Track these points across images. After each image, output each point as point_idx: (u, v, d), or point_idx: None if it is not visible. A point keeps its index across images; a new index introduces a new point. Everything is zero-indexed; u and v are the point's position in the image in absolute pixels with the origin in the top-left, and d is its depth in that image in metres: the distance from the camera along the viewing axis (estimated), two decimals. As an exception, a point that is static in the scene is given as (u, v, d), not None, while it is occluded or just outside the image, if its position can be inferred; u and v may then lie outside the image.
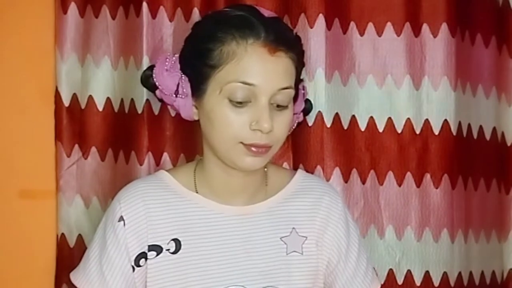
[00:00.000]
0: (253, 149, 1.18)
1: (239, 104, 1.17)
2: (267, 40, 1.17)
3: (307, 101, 1.43)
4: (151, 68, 1.33)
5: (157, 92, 1.32)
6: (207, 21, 1.28)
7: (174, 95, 1.27)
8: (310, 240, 1.31)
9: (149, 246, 1.24)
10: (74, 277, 1.29)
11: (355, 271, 1.34)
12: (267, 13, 1.24)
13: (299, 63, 1.25)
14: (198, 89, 1.22)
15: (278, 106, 1.19)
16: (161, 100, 1.35)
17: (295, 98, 1.28)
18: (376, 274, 1.42)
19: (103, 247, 1.25)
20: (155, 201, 1.26)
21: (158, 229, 1.25)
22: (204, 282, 1.24)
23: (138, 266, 1.24)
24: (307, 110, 1.43)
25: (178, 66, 1.27)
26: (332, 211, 1.34)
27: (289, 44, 1.20)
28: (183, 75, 1.26)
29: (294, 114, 1.32)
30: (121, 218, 1.24)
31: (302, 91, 1.35)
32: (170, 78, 1.27)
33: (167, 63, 1.28)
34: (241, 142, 1.18)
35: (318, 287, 1.33)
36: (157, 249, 1.24)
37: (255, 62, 1.17)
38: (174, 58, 1.29)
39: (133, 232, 1.24)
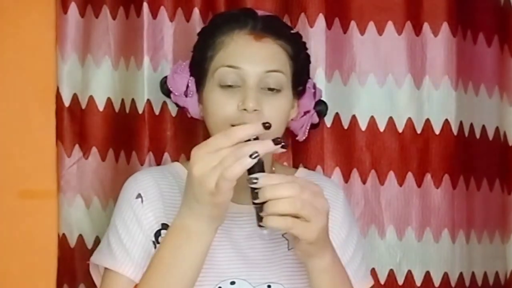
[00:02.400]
0: None
1: (229, 87, 1.21)
2: (253, 29, 1.23)
3: (322, 102, 1.43)
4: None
5: (172, 95, 1.36)
6: (208, 24, 1.33)
7: (184, 96, 1.32)
8: None
9: (162, 224, 1.24)
10: (97, 257, 1.27)
11: (347, 265, 1.31)
12: (262, 13, 1.28)
13: (297, 56, 1.27)
14: (200, 85, 1.28)
15: (270, 89, 1.22)
16: (177, 105, 1.39)
17: (301, 94, 1.31)
18: (369, 274, 1.40)
19: (123, 225, 1.24)
20: (167, 186, 1.28)
21: (169, 210, 1.25)
22: (205, 273, 1.23)
23: (158, 242, 1.23)
24: (321, 112, 1.43)
25: (187, 70, 1.33)
26: (332, 205, 1.33)
27: (279, 33, 1.25)
28: (191, 77, 1.31)
29: (306, 112, 1.36)
30: (139, 195, 1.25)
31: (313, 90, 1.36)
32: (180, 79, 1.33)
33: (177, 67, 1.36)
34: (232, 125, 1.19)
35: None
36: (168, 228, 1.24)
37: (240, 46, 1.22)
38: (184, 64, 1.35)
39: (150, 209, 1.24)
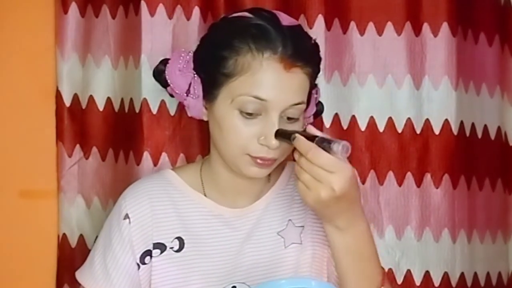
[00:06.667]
0: (259, 161, 1.18)
1: (249, 115, 1.16)
2: (284, 55, 1.15)
3: (319, 103, 1.40)
4: (164, 62, 1.30)
5: (169, 88, 1.30)
6: (225, 26, 1.24)
7: (185, 94, 1.25)
8: (307, 229, 1.31)
9: (154, 244, 1.25)
10: (79, 275, 1.29)
11: None
12: (287, 21, 1.19)
13: (315, 74, 1.23)
14: (210, 93, 1.21)
15: (288, 118, 1.18)
16: (171, 95, 1.33)
17: (308, 103, 1.27)
18: None
19: (108, 244, 1.26)
20: (160, 199, 1.27)
21: (162, 227, 1.26)
22: (206, 280, 1.25)
23: (144, 263, 1.24)
24: (318, 112, 1.40)
25: (192, 65, 1.25)
26: None
27: (306, 58, 1.18)
28: (195, 76, 1.24)
29: (304, 118, 1.32)
30: (126, 216, 1.25)
31: (315, 95, 1.33)
32: (183, 77, 1.25)
33: (180, 61, 1.26)
34: (248, 154, 1.18)
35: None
36: (161, 247, 1.25)
37: (270, 77, 1.15)
38: (188, 56, 1.26)
39: (138, 230, 1.24)
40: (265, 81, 1.15)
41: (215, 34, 1.24)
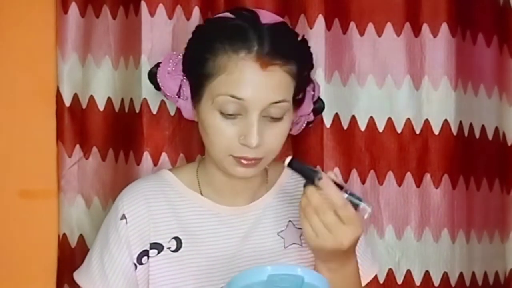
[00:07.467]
0: (243, 161, 1.18)
1: (230, 116, 1.16)
2: (260, 54, 1.14)
3: (319, 100, 1.39)
4: (157, 65, 1.32)
5: (162, 91, 1.32)
6: (206, 27, 1.26)
7: (177, 96, 1.27)
8: None
9: (151, 244, 1.25)
10: (77, 276, 1.30)
11: None
12: (269, 18, 1.20)
13: (301, 72, 1.21)
14: (196, 95, 1.22)
15: (272, 118, 1.18)
16: (167, 97, 1.34)
17: (301, 101, 1.27)
18: (376, 259, 1.44)
19: (106, 245, 1.26)
20: (157, 200, 1.27)
21: (159, 227, 1.26)
22: (204, 280, 1.25)
23: (141, 264, 1.25)
24: (318, 110, 1.39)
25: (181, 67, 1.26)
26: None
27: (286, 56, 1.16)
28: (184, 78, 1.26)
29: (301, 116, 1.33)
30: (123, 216, 1.25)
31: (312, 93, 1.33)
32: (172, 80, 1.27)
33: (170, 64, 1.28)
34: (231, 155, 1.18)
35: None
36: (159, 247, 1.25)
37: (246, 76, 1.14)
38: (177, 59, 1.28)
39: (135, 230, 1.25)
40: (241, 80, 1.15)
41: (198, 36, 1.26)
